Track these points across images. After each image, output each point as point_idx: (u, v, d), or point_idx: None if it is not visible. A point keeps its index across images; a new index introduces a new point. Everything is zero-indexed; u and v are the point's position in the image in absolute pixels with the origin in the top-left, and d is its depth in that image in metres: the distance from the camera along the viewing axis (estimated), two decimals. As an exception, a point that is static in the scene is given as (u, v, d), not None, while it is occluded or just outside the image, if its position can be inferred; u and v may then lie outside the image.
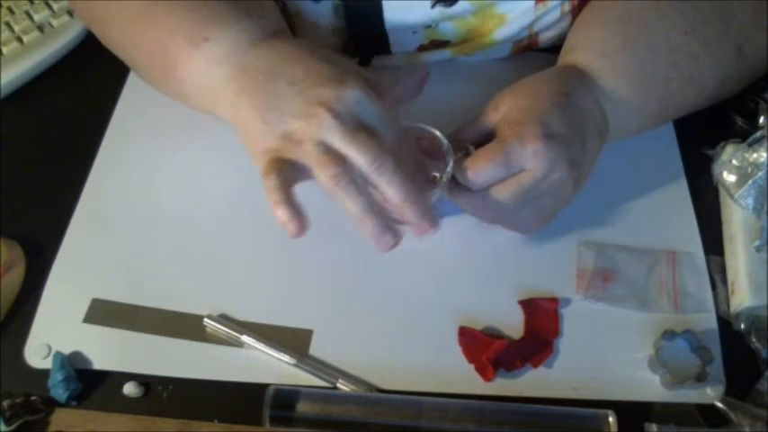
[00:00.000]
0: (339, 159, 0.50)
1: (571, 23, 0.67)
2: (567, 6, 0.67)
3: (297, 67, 0.54)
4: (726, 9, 0.61)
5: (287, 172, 0.51)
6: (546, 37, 0.70)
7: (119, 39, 0.64)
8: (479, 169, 0.54)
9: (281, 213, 0.50)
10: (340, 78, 0.52)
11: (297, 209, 0.51)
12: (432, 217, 0.53)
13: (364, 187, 0.51)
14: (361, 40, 0.69)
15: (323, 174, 0.50)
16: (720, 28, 0.60)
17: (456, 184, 0.57)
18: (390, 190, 0.51)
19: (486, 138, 0.58)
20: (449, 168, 0.57)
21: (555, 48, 0.67)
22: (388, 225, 0.52)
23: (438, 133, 0.58)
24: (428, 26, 0.67)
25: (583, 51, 0.61)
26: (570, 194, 0.58)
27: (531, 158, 0.54)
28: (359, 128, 0.51)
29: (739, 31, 0.61)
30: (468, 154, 0.57)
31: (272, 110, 0.53)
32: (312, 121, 0.51)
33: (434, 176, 0.60)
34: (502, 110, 0.58)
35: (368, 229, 0.51)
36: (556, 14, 0.67)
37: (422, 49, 0.70)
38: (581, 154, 0.56)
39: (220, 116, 0.58)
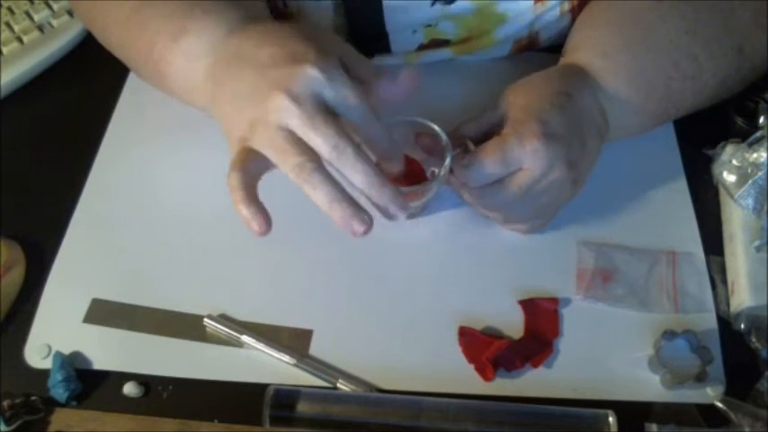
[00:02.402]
0: (301, 147, 0.48)
1: (571, 23, 0.67)
2: (567, 6, 0.67)
3: (264, 51, 0.51)
4: (726, 9, 0.61)
5: (252, 165, 0.49)
6: (546, 36, 0.70)
7: (115, 40, 0.64)
8: (477, 166, 0.54)
9: (243, 212, 0.49)
10: (302, 58, 0.49)
11: (258, 207, 0.49)
12: (400, 202, 0.50)
13: (329, 177, 0.49)
14: (362, 39, 0.69)
15: (283, 164, 0.48)
16: (721, 28, 0.60)
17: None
18: (354, 176, 0.49)
19: (486, 135, 0.58)
20: (447, 163, 0.57)
21: (555, 47, 0.67)
22: (357, 212, 0.49)
23: (437, 128, 0.58)
24: (428, 25, 0.67)
25: (584, 51, 0.61)
26: (568, 194, 0.58)
27: (530, 157, 0.54)
28: (317, 110, 0.48)
29: (740, 32, 0.61)
30: (466, 150, 0.57)
31: (237, 97, 0.52)
32: (269, 105, 0.48)
33: (433, 171, 0.60)
34: (502, 108, 0.58)
35: (336, 217, 0.49)
36: (555, 13, 0.67)
37: (422, 48, 0.70)
38: (580, 154, 0.56)
39: (204, 110, 0.58)
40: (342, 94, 0.49)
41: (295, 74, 0.48)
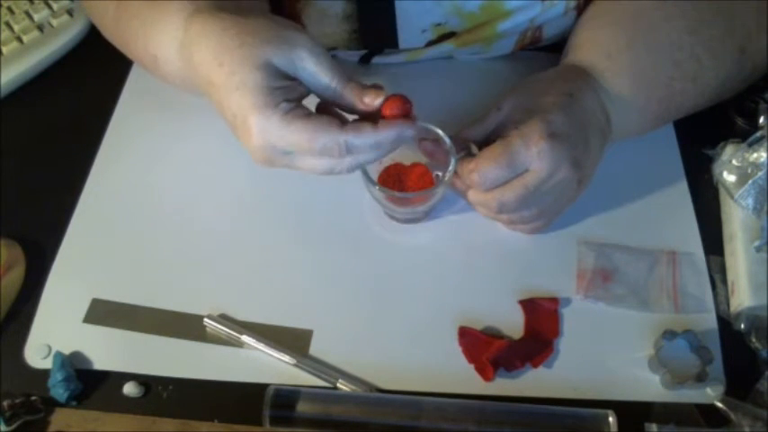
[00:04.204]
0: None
1: (575, 20, 0.67)
2: (573, 4, 0.67)
3: (203, 69, 0.53)
4: (729, 10, 0.61)
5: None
6: (549, 32, 0.70)
7: (113, 30, 0.65)
8: (484, 170, 0.54)
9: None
10: (242, 119, 0.51)
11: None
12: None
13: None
14: (371, 33, 0.68)
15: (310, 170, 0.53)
16: (723, 29, 0.61)
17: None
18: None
19: (489, 138, 0.58)
20: (451, 167, 0.57)
21: (557, 47, 0.67)
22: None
23: (441, 132, 0.58)
24: (438, 24, 0.67)
25: (586, 51, 0.61)
26: (573, 194, 0.58)
27: (536, 159, 0.54)
28: (286, 116, 0.50)
29: (742, 32, 0.61)
30: (470, 154, 0.57)
31: (212, 94, 0.53)
32: (243, 127, 0.51)
33: (437, 175, 0.61)
34: (505, 110, 0.58)
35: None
36: (560, 10, 0.67)
37: (428, 44, 0.70)
38: (584, 154, 0.56)
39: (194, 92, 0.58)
40: (293, 140, 0.51)
41: (248, 136, 0.51)
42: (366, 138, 0.51)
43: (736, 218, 0.60)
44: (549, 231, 0.62)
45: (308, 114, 0.51)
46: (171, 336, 0.58)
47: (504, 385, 0.56)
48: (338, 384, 0.55)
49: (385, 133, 0.51)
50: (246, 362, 0.57)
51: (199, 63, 0.53)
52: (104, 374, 0.57)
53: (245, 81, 0.50)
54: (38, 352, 0.57)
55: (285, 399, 0.53)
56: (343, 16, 0.66)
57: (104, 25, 0.66)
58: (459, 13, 0.66)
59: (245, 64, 0.50)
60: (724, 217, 0.63)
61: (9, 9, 0.77)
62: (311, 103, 0.53)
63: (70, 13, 0.77)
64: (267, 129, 0.50)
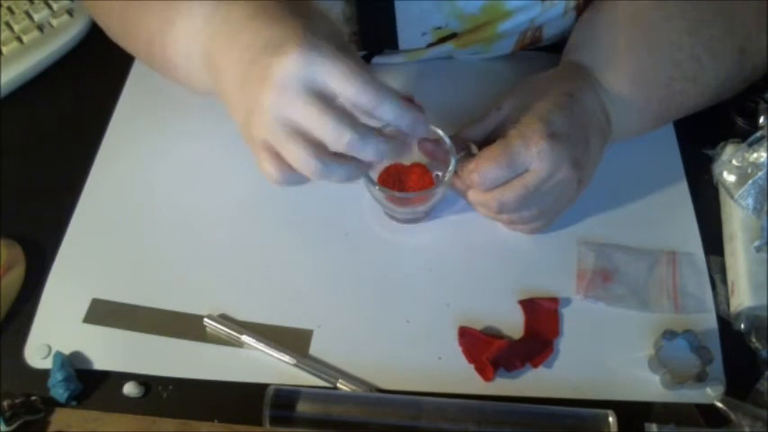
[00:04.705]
0: (301, 142, 0.47)
1: (575, 21, 0.67)
2: (572, 4, 0.67)
3: (243, 37, 0.50)
4: (729, 10, 0.61)
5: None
6: (549, 32, 0.70)
7: (119, 29, 0.64)
8: (484, 170, 0.54)
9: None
10: (279, 47, 0.47)
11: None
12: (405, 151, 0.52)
13: (342, 162, 0.49)
14: (371, 34, 0.68)
15: (307, 172, 0.48)
16: (723, 29, 0.61)
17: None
18: (366, 158, 0.49)
19: (490, 138, 0.58)
20: (451, 167, 0.57)
21: (557, 46, 0.67)
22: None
23: (441, 132, 0.58)
24: (438, 27, 0.67)
25: (586, 51, 0.61)
26: (574, 194, 0.58)
27: (536, 159, 0.54)
28: (310, 101, 0.46)
29: (742, 32, 0.61)
30: (470, 154, 0.57)
31: (230, 83, 0.51)
32: (260, 99, 0.47)
33: (437, 175, 0.61)
34: (505, 110, 0.58)
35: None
36: (559, 10, 0.67)
37: (429, 45, 0.70)
38: (585, 154, 0.56)
39: (209, 94, 0.57)
40: (332, 74, 0.47)
41: (275, 67, 0.47)
42: (395, 106, 0.48)
43: (736, 218, 0.60)
44: (549, 231, 0.62)
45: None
46: (171, 336, 0.58)
47: (504, 385, 0.56)
48: (338, 384, 0.55)
49: (406, 111, 0.49)
50: (246, 362, 0.57)
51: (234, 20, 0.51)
52: (104, 374, 0.57)
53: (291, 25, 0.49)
54: (38, 352, 0.57)
55: (285, 399, 0.53)
56: (344, 19, 0.66)
57: (107, 15, 0.65)
58: (460, 16, 0.66)
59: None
60: (724, 217, 0.63)
61: (9, 9, 0.77)
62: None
63: (70, 13, 0.77)
64: (310, 53, 0.46)
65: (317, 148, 0.48)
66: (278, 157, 0.49)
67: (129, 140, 0.70)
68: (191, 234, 0.64)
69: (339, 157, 0.49)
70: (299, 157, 0.47)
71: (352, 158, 0.49)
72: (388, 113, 0.48)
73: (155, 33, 0.58)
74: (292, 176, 0.49)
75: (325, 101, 0.47)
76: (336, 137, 0.47)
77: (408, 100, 0.51)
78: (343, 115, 0.47)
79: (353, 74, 0.47)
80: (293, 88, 0.47)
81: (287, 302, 0.60)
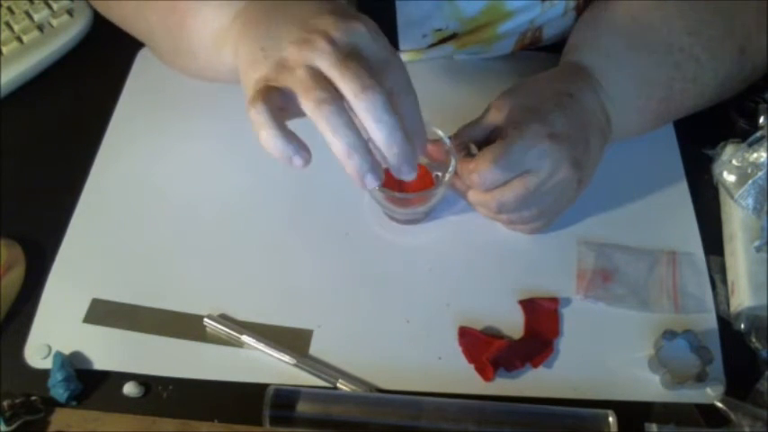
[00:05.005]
0: (327, 84, 0.45)
1: (575, 21, 0.67)
2: (572, 4, 0.67)
3: (303, 4, 0.50)
4: (728, 10, 0.61)
5: (275, 100, 0.46)
6: (549, 33, 0.70)
7: (131, 13, 0.64)
8: (484, 171, 0.54)
9: (279, 147, 0.45)
10: (348, 14, 0.48)
11: (294, 137, 0.45)
12: (412, 164, 0.48)
13: (352, 123, 0.46)
14: None
15: (306, 97, 0.45)
16: (723, 29, 0.61)
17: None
18: (377, 130, 0.46)
19: (489, 138, 0.58)
20: (451, 168, 0.57)
21: (557, 46, 0.67)
22: (373, 165, 0.46)
23: (440, 133, 0.58)
24: (438, 29, 0.67)
25: (586, 51, 0.61)
26: (573, 195, 0.58)
27: (536, 159, 0.54)
28: (352, 56, 0.46)
29: (742, 32, 0.61)
30: (470, 154, 0.57)
31: (269, 38, 0.49)
32: (306, 46, 0.46)
33: (437, 176, 0.61)
34: (505, 110, 0.58)
35: (351, 166, 0.46)
36: (559, 10, 0.67)
37: (429, 46, 0.70)
38: (585, 154, 0.56)
39: (226, 62, 0.55)
40: (384, 54, 0.47)
41: (341, 24, 0.47)
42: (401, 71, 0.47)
43: (736, 218, 0.60)
44: (549, 231, 0.62)
45: None
46: (171, 336, 0.58)
47: (504, 385, 0.56)
48: (338, 384, 0.55)
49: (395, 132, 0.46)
50: (246, 362, 0.57)
51: None
52: (104, 374, 0.57)
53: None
54: (38, 352, 0.57)
55: (285, 399, 0.53)
56: None
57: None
58: (460, 19, 0.66)
59: None
60: (724, 217, 0.63)
61: (9, 9, 0.77)
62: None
63: (70, 13, 0.77)
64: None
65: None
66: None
67: (129, 140, 0.70)
68: (191, 234, 0.64)
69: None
70: (319, 98, 0.45)
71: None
72: (411, 111, 0.49)
73: (177, 8, 0.58)
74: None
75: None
76: (363, 87, 0.45)
77: None
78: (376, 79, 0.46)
79: (400, 61, 0.48)
80: (344, 46, 0.46)
81: (287, 302, 0.60)
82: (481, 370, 0.56)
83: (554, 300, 0.59)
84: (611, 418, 0.52)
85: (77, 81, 0.75)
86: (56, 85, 0.75)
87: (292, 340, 0.58)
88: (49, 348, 0.57)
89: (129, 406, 0.55)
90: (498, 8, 0.65)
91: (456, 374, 0.56)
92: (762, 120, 0.63)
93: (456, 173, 0.57)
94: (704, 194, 0.65)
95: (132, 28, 0.66)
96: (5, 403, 0.54)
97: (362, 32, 0.47)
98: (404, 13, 0.65)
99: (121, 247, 0.63)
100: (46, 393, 0.55)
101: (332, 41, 0.46)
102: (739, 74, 0.62)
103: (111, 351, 0.58)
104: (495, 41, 0.69)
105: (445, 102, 0.67)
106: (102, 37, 0.67)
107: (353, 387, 0.55)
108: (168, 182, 0.67)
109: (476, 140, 0.59)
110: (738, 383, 0.55)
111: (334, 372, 0.56)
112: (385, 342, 0.58)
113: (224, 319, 0.58)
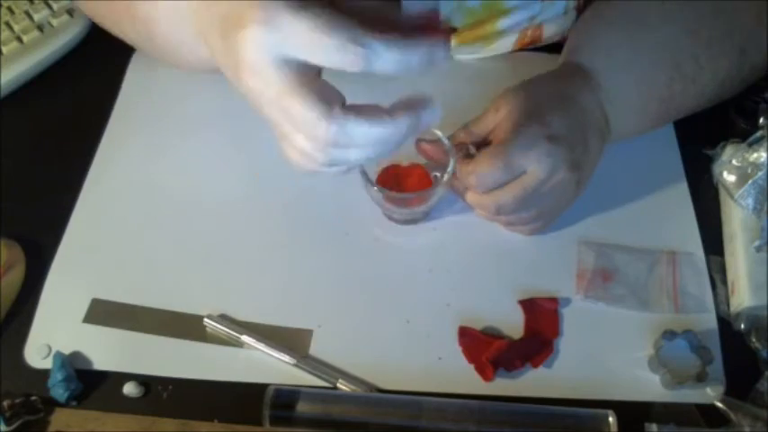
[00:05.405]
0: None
1: (575, 19, 0.67)
2: (573, 4, 0.67)
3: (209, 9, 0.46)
4: (728, 10, 0.61)
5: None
6: (549, 31, 0.70)
7: (111, 28, 0.64)
8: (482, 173, 0.54)
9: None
10: (238, 21, 0.42)
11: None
12: (413, 126, 0.46)
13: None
14: None
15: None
16: (723, 29, 0.61)
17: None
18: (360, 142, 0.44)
19: (488, 139, 0.58)
20: (450, 168, 0.57)
21: (556, 47, 0.67)
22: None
23: (439, 133, 0.58)
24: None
25: (586, 51, 0.61)
26: (572, 196, 0.58)
27: (534, 160, 0.54)
28: (286, 83, 0.41)
29: (741, 32, 0.61)
30: (469, 154, 0.57)
31: (211, 44, 0.47)
32: (240, 78, 0.43)
33: (436, 176, 0.61)
34: (503, 111, 0.58)
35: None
36: (560, 9, 0.67)
37: None
38: (583, 155, 0.56)
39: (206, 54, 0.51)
40: (302, 42, 0.40)
41: (241, 44, 0.41)
42: (392, 52, 0.41)
43: (736, 218, 0.60)
44: (549, 231, 0.62)
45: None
46: (171, 336, 0.58)
47: (504, 385, 0.56)
48: (338, 384, 0.55)
49: (413, 51, 0.42)
50: (246, 362, 0.57)
51: None
52: (104, 374, 0.57)
53: None
54: (38, 352, 0.57)
55: (285, 399, 0.53)
56: None
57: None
58: (463, 9, 0.65)
59: None
60: (724, 217, 0.63)
61: (9, 9, 0.77)
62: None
63: (70, 13, 0.77)
64: (273, 15, 0.40)
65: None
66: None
67: (127, 140, 0.70)
68: (190, 234, 0.64)
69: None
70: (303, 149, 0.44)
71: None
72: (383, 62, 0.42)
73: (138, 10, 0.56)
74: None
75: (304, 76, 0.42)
76: (313, 134, 0.42)
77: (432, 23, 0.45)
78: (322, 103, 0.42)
79: (321, 35, 0.40)
80: (267, 70, 0.42)
81: (287, 302, 0.60)
82: (481, 370, 0.56)
83: (554, 300, 0.59)
84: (611, 418, 0.52)
85: (77, 81, 0.75)
86: (56, 85, 0.75)
87: (292, 340, 0.58)
88: (49, 348, 0.57)
89: (128, 406, 0.55)
90: (497, 4, 0.65)
91: (456, 374, 0.56)
92: (762, 120, 0.63)
93: (454, 174, 0.57)
94: (704, 194, 0.65)
95: (122, 36, 0.66)
96: (5, 403, 0.54)
97: (263, 40, 0.41)
98: (406, 6, 0.65)
99: (121, 247, 0.63)
100: (46, 393, 0.55)
101: (256, 71, 0.42)
102: (739, 74, 0.62)
103: (110, 351, 0.58)
104: (496, 39, 0.70)
105: (445, 102, 0.66)
106: (102, 37, 0.66)
107: (353, 387, 0.55)
108: (168, 181, 0.67)
109: (474, 141, 0.59)
110: (738, 383, 0.55)
111: (334, 372, 0.56)
112: (385, 342, 0.58)
113: (224, 319, 0.58)
